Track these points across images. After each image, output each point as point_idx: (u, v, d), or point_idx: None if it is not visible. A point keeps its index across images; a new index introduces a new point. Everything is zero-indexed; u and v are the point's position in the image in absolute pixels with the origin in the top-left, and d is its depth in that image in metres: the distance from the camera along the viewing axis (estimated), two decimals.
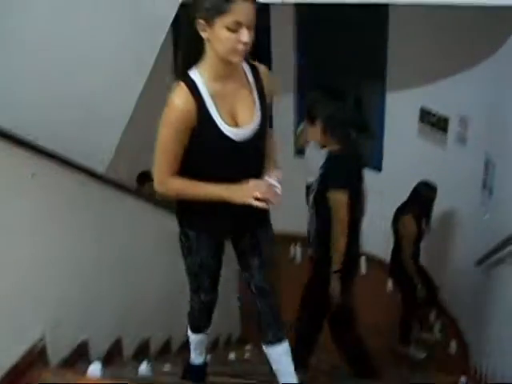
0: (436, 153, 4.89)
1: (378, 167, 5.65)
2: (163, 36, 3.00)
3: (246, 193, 1.84)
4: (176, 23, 3.09)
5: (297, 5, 5.33)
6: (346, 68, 5.67)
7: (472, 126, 4.40)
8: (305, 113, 3.20)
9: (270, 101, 2.04)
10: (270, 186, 1.91)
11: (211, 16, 1.75)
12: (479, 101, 4.17)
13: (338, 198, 2.93)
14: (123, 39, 2.62)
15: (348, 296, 3.17)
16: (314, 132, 3.05)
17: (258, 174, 2.00)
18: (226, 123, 1.88)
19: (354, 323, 3.40)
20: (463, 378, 2.57)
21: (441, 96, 4.75)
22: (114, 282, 2.79)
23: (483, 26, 3.85)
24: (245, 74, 1.98)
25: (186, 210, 2.10)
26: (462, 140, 4.54)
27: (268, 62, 5.89)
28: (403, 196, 4.47)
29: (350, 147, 3.13)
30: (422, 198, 4.28)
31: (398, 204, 4.48)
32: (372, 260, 5.68)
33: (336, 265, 2.97)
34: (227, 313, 4.10)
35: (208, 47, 1.83)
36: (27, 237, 2.03)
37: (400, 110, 5.29)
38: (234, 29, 1.75)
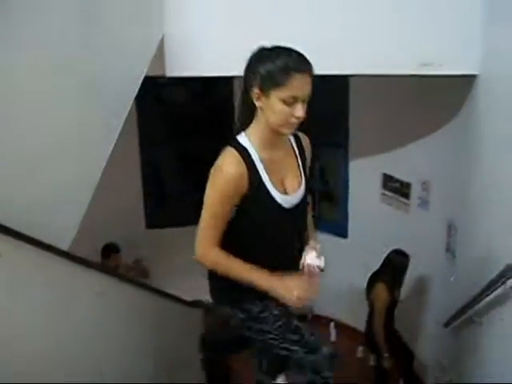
0: (400, 218, 4.98)
1: (343, 234, 5.73)
2: (127, 109, 3.05)
3: (288, 293, 1.81)
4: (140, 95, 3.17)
5: None
6: (311, 135, 5.81)
7: (434, 191, 4.52)
8: None
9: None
10: (311, 275, 1.96)
11: (267, 87, 1.78)
12: (440, 166, 4.31)
13: None
14: (87, 113, 2.65)
15: None
16: None
17: (301, 242, 2.06)
18: (276, 190, 1.89)
19: None
20: None
21: (402, 162, 4.89)
22: (80, 358, 2.70)
23: (441, 93, 4.03)
24: (290, 141, 2.05)
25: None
26: (424, 204, 4.65)
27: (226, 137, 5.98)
28: (370, 262, 4.51)
29: None
30: (394, 265, 4.32)
31: (365, 270, 4.51)
32: (341, 327, 5.68)
33: None
34: None
35: (260, 114, 1.86)
36: None
37: (363, 176, 5.42)
38: (290, 102, 1.78)
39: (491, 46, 3.08)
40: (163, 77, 3.53)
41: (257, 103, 1.83)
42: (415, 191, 4.77)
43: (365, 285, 4.49)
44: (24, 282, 2.12)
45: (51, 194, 2.33)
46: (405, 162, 4.87)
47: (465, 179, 3.63)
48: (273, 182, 1.89)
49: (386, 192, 5.12)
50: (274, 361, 2.30)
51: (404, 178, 4.88)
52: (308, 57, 3.42)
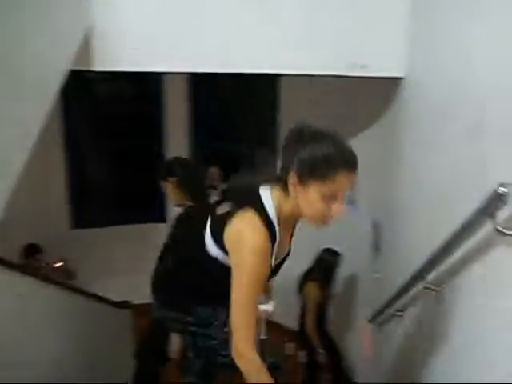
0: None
1: None
2: (49, 104, 2.95)
3: None
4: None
5: (189, 75, 5.47)
6: (241, 137, 5.85)
7: (360, 190, 4.60)
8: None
9: None
10: None
11: (308, 176, 1.59)
12: (366, 165, 4.33)
13: None
14: (4, 107, 2.54)
15: None
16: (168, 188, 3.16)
17: None
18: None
19: None
20: None
21: None
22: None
23: (369, 94, 4.14)
24: None
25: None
26: (351, 204, 4.72)
27: (159, 137, 5.93)
28: (299, 261, 4.54)
29: (204, 206, 3.17)
30: (325, 264, 4.39)
31: (295, 269, 4.54)
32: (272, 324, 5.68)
33: None
34: None
35: (294, 194, 1.64)
36: None
37: None
38: (329, 197, 1.59)
39: (416, 49, 3.15)
40: (90, 71, 3.45)
41: (290, 188, 1.63)
42: None
43: (294, 283, 4.53)
44: None
45: None
46: None
47: (390, 178, 3.72)
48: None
49: None
50: (209, 365, 2.28)
51: None
52: (238, 55, 3.47)
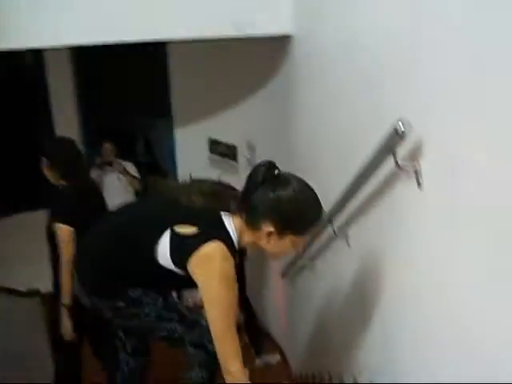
0: (229, 179, 5.09)
1: None
2: None
3: None
4: None
5: (71, 48, 5.26)
6: (133, 110, 5.74)
7: (259, 151, 4.69)
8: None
9: None
10: None
11: (286, 231, 1.70)
12: (263, 126, 4.47)
13: (60, 233, 2.96)
14: None
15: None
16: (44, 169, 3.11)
17: None
18: None
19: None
20: None
21: (227, 126, 5.00)
22: None
23: (259, 55, 4.16)
24: None
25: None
26: (251, 164, 4.81)
27: (48, 116, 5.69)
28: None
29: (80, 182, 3.20)
30: None
31: None
32: None
33: (65, 300, 2.97)
34: None
35: (256, 233, 1.74)
36: None
37: (190, 143, 5.47)
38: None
39: (304, 4, 3.16)
40: None
41: (262, 232, 1.72)
42: (242, 152, 4.91)
43: None
44: None
45: None
46: (229, 126, 4.98)
47: (287, 141, 3.80)
48: None
49: (214, 156, 5.23)
50: (142, 341, 2.29)
51: (230, 141, 5.00)
52: (116, 24, 3.35)
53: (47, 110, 5.69)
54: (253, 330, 4.98)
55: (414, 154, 1.53)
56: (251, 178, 1.72)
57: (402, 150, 1.55)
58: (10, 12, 3.25)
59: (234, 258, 1.72)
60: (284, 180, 1.72)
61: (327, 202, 2.35)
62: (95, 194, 3.38)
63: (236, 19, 3.39)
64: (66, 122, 5.74)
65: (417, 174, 1.52)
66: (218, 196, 1.82)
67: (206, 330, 1.88)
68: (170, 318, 1.99)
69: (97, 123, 5.86)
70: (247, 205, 1.72)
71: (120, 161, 5.15)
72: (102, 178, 5.08)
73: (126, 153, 5.48)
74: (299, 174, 3.28)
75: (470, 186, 1.26)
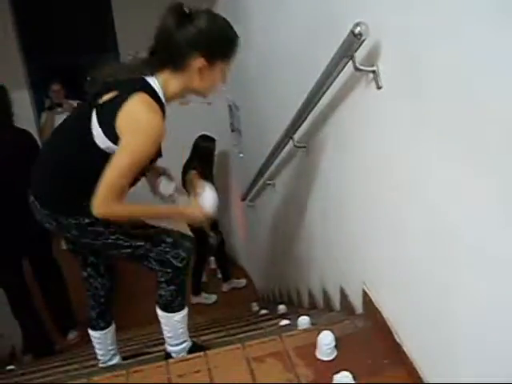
0: (185, 108, 5.10)
1: None
2: None
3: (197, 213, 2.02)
4: None
5: None
6: (78, 47, 5.59)
7: None
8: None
9: None
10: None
11: (216, 58, 1.76)
12: None
13: None
14: None
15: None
16: None
17: None
18: None
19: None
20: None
21: None
22: None
23: None
24: None
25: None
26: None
27: None
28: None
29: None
30: (202, 150, 4.49)
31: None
32: None
33: None
34: None
35: (184, 73, 1.77)
36: None
37: None
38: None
39: None
40: None
41: (193, 71, 1.76)
42: None
43: None
44: None
45: None
46: None
47: (238, 60, 3.80)
48: None
49: None
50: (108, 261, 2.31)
51: None
52: None
53: None
54: (222, 258, 5.14)
55: (373, 56, 1.59)
56: (164, 25, 1.75)
57: (361, 53, 1.61)
58: None
59: (163, 112, 1.76)
60: (196, 14, 1.75)
61: (287, 116, 2.42)
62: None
63: None
64: (9, 61, 5.53)
65: (376, 75, 1.59)
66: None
67: (171, 246, 2.00)
68: (135, 236, 2.01)
69: (42, 64, 5.67)
70: (171, 50, 1.76)
71: (70, 101, 5.03)
72: (54, 120, 4.98)
73: (74, 92, 5.35)
74: (256, 93, 3.32)
75: (429, 84, 1.32)
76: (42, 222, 2.01)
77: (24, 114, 5.55)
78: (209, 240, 4.70)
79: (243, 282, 5.21)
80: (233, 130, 4.49)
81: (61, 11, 5.46)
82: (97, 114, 1.76)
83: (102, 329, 2.30)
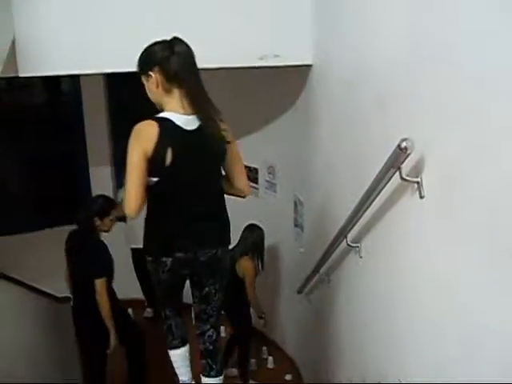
0: (250, 201, 5.30)
1: None
2: None
3: None
4: None
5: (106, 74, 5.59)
6: None
7: (279, 174, 4.95)
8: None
9: None
10: None
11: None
12: (283, 150, 4.74)
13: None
14: None
15: None
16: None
17: None
18: None
19: None
20: None
21: (249, 149, 5.20)
22: None
23: (281, 83, 4.40)
24: None
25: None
26: (272, 187, 5.07)
27: (82, 135, 6.04)
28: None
29: None
30: (252, 239, 4.66)
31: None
32: None
33: None
34: None
35: None
36: None
37: None
38: None
39: (322, 36, 3.42)
40: (17, 77, 3.58)
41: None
42: (262, 175, 5.18)
43: None
44: None
45: None
46: (251, 150, 5.18)
47: (307, 160, 4.04)
48: None
49: None
50: None
51: (251, 164, 5.26)
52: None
53: (79, 132, 6.06)
54: (243, 359, 5.07)
55: (417, 169, 1.77)
56: None
57: (407, 165, 1.79)
58: (48, 40, 3.57)
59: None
60: None
61: (343, 216, 2.59)
62: None
63: (262, 51, 3.66)
64: (98, 144, 6.10)
65: (419, 186, 1.76)
66: None
67: None
68: None
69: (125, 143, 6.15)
70: None
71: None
72: None
73: None
74: (318, 193, 3.48)
75: (468, 198, 1.48)
76: None
77: (104, 187, 6.07)
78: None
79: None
80: (296, 225, 4.66)
81: (147, 99, 5.94)
82: None
83: None
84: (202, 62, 3.73)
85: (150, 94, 2.47)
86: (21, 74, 3.54)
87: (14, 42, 3.46)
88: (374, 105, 2.32)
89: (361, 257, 2.65)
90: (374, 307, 2.52)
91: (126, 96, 6.01)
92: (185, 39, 3.59)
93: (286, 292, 5.24)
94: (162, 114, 2.39)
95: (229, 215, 2.74)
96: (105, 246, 3.72)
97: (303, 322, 4.69)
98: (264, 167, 5.10)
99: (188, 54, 2.33)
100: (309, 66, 3.73)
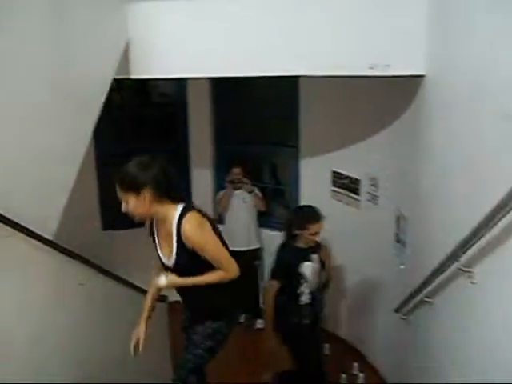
0: (350, 213, 5.22)
1: None
2: (98, 111, 3.18)
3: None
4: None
5: (211, 78, 5.68)
6: (262, 136, 6.06)
7: (382, 186, 4.78)
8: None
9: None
10: None
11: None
12: (387, 162, 4.57)
13: None
14: (65, 118, 2.78)
15: None
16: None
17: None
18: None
19: None
20: None
21: (351, 160, 5.13)
22: (69, 348, 2.87)
23: (389, 94, 4.28)
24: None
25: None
26: (373, 199, 4.91)
27: (185, 136, 6.17)
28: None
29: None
30: None
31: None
32: None
33: None
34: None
35: None
36: None
37: (314, 174, 5.65)
38: None
39: (437, 46, 3.28)
40: (128, 79, 3.68)
41: None
42: (364, 187, 5.02)
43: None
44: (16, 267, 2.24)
45: (37, 189, 2.46)
46: (353, 160, 5.11)
47: (414, 173, 3.86)
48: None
49: (336, 189, 5.36)
50: None
51: (353, 175, 5.13)
52: (261, 57, 3.65)
53: (185, 133, 6.23)
54: None
55: None
56: None
57: None
58: (161, 43, 3.64)
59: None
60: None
61: (454, 238, 2.43)
62: None
63: (372, 60, 3.56)
64: (201, 146, 6.22)
65: None
66: None
67: None
68: None
69: (228, 149, 6.27)
70: None
71: (246, 181, 5.75)
72: (231, 195, 5.75)
73: (252, 177, 5.91)
74: (425, 211, 3.34)
75: None
76: None
77: (203, 188, 6.17)
78: None
79: None
80: (397, 241, 4.49)
81: (254, 104, 6.04)
82: None
83: None
84: (314, 69, 3.76)
85: None
86: (133, 76, 3.63)
87: (127, 44, 3.55)
88: (498, 119, 2.15)
89: (474, 283, 2.47)
90: (481, 340, 2.34)
91: (229, 101, 6.06)
92: (300, 47, 3.65)
93: (381, 308, 5.05)
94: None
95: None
96: None
97: (399, 342, 4.51)
98: (366, 178, 4.95)
99: None
100: (421, 77, 3.59)
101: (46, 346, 2.59)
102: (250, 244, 5.87)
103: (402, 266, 4.36)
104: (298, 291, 3.93)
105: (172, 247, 2.51)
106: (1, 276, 2.17)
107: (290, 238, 3.88)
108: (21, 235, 2.25)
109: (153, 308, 2.82)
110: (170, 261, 2.57)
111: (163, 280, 2.60)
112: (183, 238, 2.45)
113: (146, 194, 2.37)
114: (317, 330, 4.19)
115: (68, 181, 2.78)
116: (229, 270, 2.60)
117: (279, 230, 5.91)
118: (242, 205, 5.76)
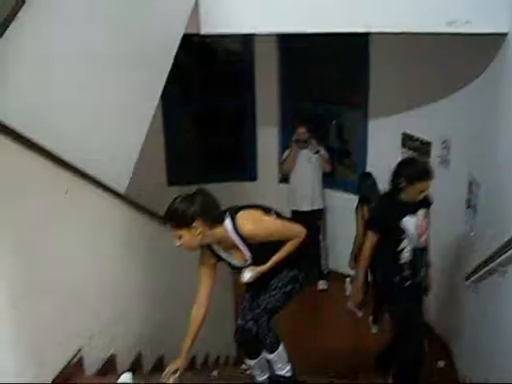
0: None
1: None
2: (169, 66, 3.17)
3: None
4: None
5: (279, 36, 5.58)
6: (329, 97, 5.95)
7: (454, 149, 4.61)
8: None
9: None
10: None
11: None
12: (461, 124, 4.39)
13: None
14: (136, 73, 2.79)
15: None
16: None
17: None
18: None
19: None
20: None
21: (423, 121, 4.97)
22: (139, 300, 2.95)
23: (465, 53, 4.09)
24: None
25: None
26: (444, 163, 4.75)
27: (252, 94, 6.12)
28: None
29: None
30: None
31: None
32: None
33: None
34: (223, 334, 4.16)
35: None
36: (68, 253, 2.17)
37: (383, 136, 5.51)
38: None
39: None
40: (198, 34, 3.64)
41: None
42: (435, 150, 4.86)
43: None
44: (89, 219, 2.29)
45: (111, 145, 2.51)
46: (425, 121, 4.94)
47: (492, 136, 3.70)
48: None
49: (406, 151, 5.20)
50: None
51: (424, 137, 4.97)
52: (333, 14, 3.54)
53: (251, 91, 6.18)
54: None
55: None
56: None
57: None
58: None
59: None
60: None
61: None
62: None
63: (451, 17, 3.40)
64: (267, 104, 6.15)
65: None
66: None
67: None
68: None
69: (295, 107, 6.18)
70: None
71: (313, 141, 5.69)
72: (297, 154, 5.68)
73: (318, 137, 5.83)
74: (502, 176, 3.22)
75: None
76: None
77: (269, 148, 6.14)
78: None
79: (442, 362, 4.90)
80: (468, 207, 4.34)
81: (321, 63, 5.90)
82: None
83: None
84: (382, 26, 3.62)
85: None
86: (202, 32, 3.59)
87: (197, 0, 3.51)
88: None
89: None
90: None
91: (296, 58, 5.95)
92: (373, 2, 3.51)
93: (449, 275, 4.94)
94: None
95: None
96: None
97: (465, 310, 4.41)
98: (438, 141, 4.78)
99: None
100: (503, 35, 3.40)
101: (117, 293, 2.67)
102: (313, 204, 5.83)
103: (473, 233, 4.24)
104: (398, 248, 3.61)
105: (242, 251, 2.59)
106: (78, 223, 2.23)
107: (395, 189, 3.55)
108: (96, 188, 2.31)
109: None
110: (247, 260, 2.65)
111: (248, 275, 2.66)
112: (248, 239, 2.53)
113: (198, 224, 2.39)
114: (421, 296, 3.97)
115: (139, 138, 2.81)
116: (296, 235, 2.67)
117: (343, 191, 5.92)
118: (308, 165, 5.70)
